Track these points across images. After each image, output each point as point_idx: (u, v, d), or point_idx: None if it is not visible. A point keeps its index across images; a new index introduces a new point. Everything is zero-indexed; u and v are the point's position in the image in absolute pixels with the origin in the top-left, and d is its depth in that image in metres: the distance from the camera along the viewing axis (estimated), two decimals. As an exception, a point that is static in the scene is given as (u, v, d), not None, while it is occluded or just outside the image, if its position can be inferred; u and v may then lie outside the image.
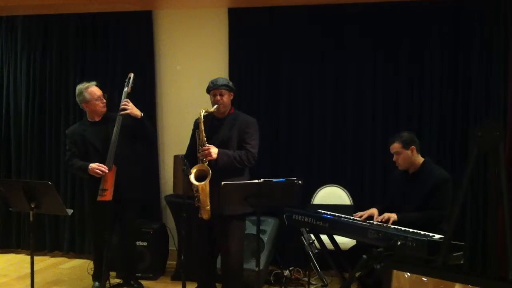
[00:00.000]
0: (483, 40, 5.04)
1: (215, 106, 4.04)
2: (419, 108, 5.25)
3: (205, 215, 3.97)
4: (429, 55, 5.21)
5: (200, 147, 3.95)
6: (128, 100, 4.52)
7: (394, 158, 4.17)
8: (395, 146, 4.12)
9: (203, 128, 3.95)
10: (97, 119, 4.65)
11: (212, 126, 4.08)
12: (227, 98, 4.09)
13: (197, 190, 3.92)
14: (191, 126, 4.25)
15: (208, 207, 3.94)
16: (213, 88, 4.07)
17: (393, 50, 5.28)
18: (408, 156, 4.11)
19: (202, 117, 3.96)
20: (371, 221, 3.93)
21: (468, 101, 5.13)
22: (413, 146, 4.11)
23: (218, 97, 4.05)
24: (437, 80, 5.19)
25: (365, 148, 5.36)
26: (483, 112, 5.02)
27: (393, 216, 3.86)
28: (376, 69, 5.33)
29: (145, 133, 4.69)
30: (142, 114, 4.55)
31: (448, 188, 4.00)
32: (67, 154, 4.67)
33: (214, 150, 3.92)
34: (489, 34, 5.01)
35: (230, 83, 4.16)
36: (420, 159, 4.16)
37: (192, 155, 4.06)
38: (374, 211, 4.08)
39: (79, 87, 4.64)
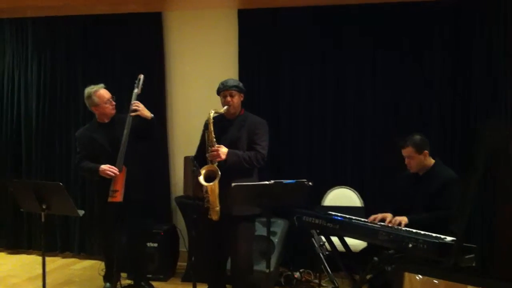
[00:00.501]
0: (483, 40, 5.03)
1: (225, 107, 4.03)
2: (419, 108, 5.24)
3: (215, 216, 3.96)
4: (429, 55, 5.21)
5: (210, 148, 3.95)
6: (138, 101, 4.52)
7: (406, 161, 4.14)
8: (408, 150, 4.09)
9: (212, 128, 3.95)
10: (106, 120, 4.66)
11: (221, 127, 4.07)
12: (237, 99, 4.08)
13: (207, 191, 3.91)
14: (201, 127, 4.24)
15: (218, 208, 3.93)
16: (223, 90, 4.06)
17: (394, 50, 5.28)
18: (421, 160, 4.09)
19: (211, 118, 3.95)
20: (382, 223, 3.90)
21: (468, 101, 5.12)
22: (426, 151, 4.08)
23: (229, 98, 4.04)
24: (438, 80, 5.19)
25: (365, 149, 5.37)
26: (483, 112, 5.02)
27: (404, 220, 3.83)
28: (377, 69, 5.33)
29: (152, 134, 4.69)
30: (152, 115, 4.56)
31: (455, 188, 3.97)
32: (77, 156, 4.69)
33: (223, 150, 3.91)
34: (489, 34, 5.01)
35: (241, 84, 4.14)
36: (431, 161, 4.13)
37: (201, 156, 4.06)
38: (387, 215, 4.06)
39: (88, 90, 4.63)
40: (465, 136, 5.08)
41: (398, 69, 5.27)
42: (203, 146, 4.07)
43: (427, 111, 5.20)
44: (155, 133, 4.78)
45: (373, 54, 5.31)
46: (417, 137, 4.13)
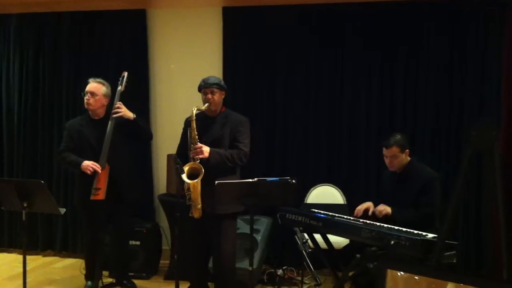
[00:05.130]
0: (477, 39, 5.08)
1: (206, 104, 4.02)
2: (413, 106, 5.26)
3: (196, 213, 3.95)
4: (424, 54, 5.22)
5: (192, 145, 3.93)
6: (120, 103, 4.49)
7: (388, 161, 4.18)
8: (393, 150, 4.13)
9: (195, 126, 3.94)
10: (99, 115, 4.61)
11: (203, 125, 4.06)
12: (218, 96, 4.07)
13: (189, 189, 3.90)
14: (185, 125, 4.23)
15: (200, 206, 3.92)
16: (204, 87, 4.06)
17: (389, 50, 5.29)
18: (402, 159, 4.15)
19: (194, 115, 3.94)
20: (365, 220, 3.93)
21: (462, 99, 5.15)
22: (407, 149, 4.14)
23: (209, 96, 4.03)
24: (432, 79, 5.21)
25: (359, 146, 5.38)
26: (477, 110, 5.06)
27: (388, 209, 3.93)
28: (371, 69, 5.34)
29: (140, 132, 4.66)
30: (134, 115, 4.53)
31: (437, 185, 4.06)
32: (62, 145, 4.65)
33: (206, 149, 3.91)
34: (483, 33, 5.05)
35: (222, 82, 4.14)
36: (408, 159, 4.20)
37: (182, 154, 4.05)
38: (369, 204, 4.13)
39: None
40: (460, 135, 5.11)
41: (393, 68, 5.29)
42: (185, 144, 4.06)
43: (422, 109, 5.23)
44: (145, 131, 4.74)
45: (369, 53, 5.31)
46: (399, 136, 4.18)
